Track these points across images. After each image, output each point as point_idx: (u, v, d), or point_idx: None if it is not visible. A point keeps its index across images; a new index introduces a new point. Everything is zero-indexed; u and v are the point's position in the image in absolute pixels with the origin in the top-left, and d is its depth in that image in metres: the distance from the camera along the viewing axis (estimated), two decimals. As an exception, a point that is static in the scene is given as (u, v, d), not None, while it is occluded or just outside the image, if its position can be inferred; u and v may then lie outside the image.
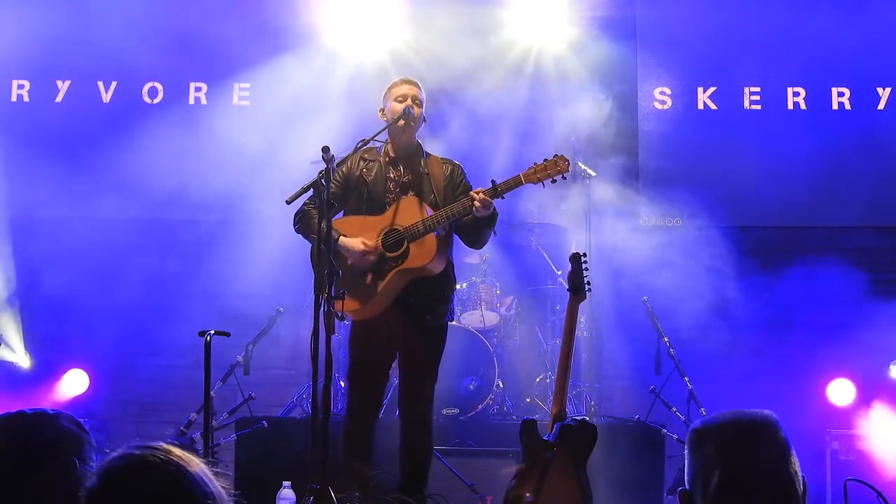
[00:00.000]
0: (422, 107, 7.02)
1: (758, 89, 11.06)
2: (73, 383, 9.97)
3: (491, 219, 6.74)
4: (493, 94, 10.99)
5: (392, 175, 6.95)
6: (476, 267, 10.26)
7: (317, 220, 6.48)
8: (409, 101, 6.91)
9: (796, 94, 11.00)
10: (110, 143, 10.63)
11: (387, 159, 6.97)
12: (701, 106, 11.10)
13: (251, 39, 10.97)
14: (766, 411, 2.93)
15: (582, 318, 9.31)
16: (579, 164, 9.85)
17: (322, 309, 5.96)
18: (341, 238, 6.71)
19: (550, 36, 11.08)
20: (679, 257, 9.93)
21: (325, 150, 6.18)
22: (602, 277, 9.77)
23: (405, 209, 6.76)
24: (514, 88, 11.06)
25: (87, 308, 10.02)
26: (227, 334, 6.79)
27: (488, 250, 10.42)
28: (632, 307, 10.00)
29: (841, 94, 10.97)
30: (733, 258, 10.15)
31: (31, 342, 10.11)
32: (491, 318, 9.94)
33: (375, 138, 6.82)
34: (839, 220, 10.75)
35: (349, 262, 6.73)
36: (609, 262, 9.93)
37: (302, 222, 6.90)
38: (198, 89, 11.09)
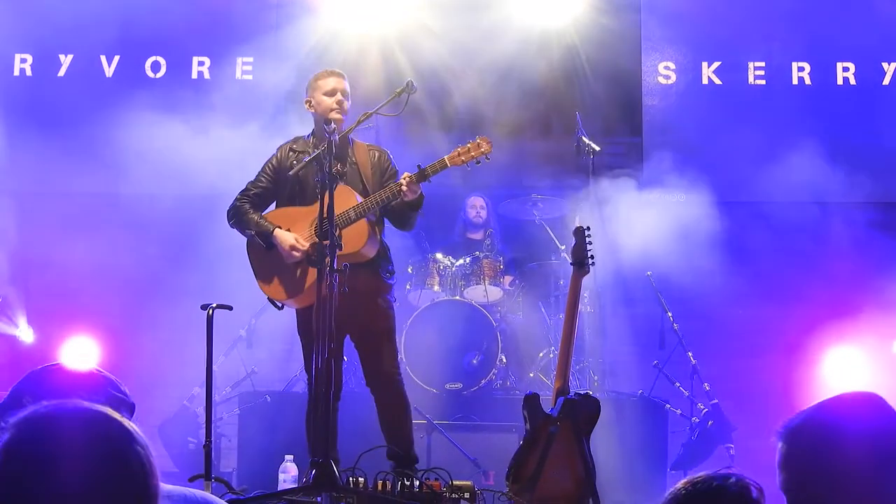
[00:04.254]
0: (349, 100, 7.09)
1: (762, 64, 11.01)
2: (77, 355, 9.94)
3: (418, 202, 6.89)
4: (496, 69, 10.96)
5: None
6: (479, 242, 10.26)
7: (251, 216, 6.99)
8: (340, 97, 6.99)
9: (801, 69, 10.96)
10: (113, 118, 10.59)
11: (315, 151, 7.01)
12: (705, 81, 11.07)
13: (254, 13, 10.93)
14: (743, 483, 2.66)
15: (585, 293, 9.29)
16: (583, 138, 9.82)
17: (325, 282, 5.98)
18: (276, 231, 6.91)
19: (554, 10, 11.02)
20: (683, 232, 9.89)
21: (327, 122, 6.24)
22: (606, 252, 9.76)
23: (335, 198, 6.82)
24: (517, 63, 11.02)
25: (89, 282, 10.01)
26: (230, 308, 6.80)
27: (491, 225, 10.44)
28: (635, 282, 9.97)
29: (846, 70, 10.91)
30: (737, 233, 10.13)
31: (34, 316, 10.10)
32: (494, 293, 9.95)
33: (380, 112, 6.89)
34: (843, 195, 10.68)
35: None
36: (613, 236, 9.90)
37: (236, 218, 7.12)
38: (201, 63, 11.06)
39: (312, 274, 6.75)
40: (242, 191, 7.12)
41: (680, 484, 2.69)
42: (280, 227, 6.92)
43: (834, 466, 2.68)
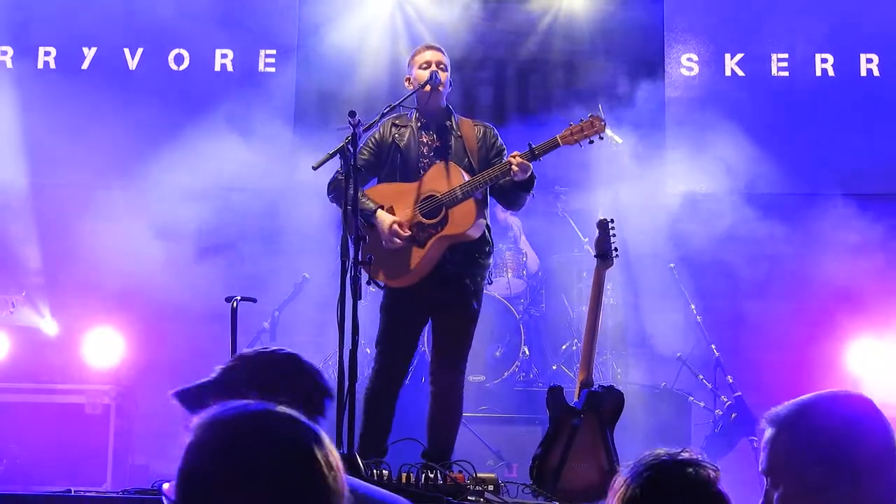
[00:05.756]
0: (447, 71, 6.99)
1: (785, 56, 10.96)
2: (102, 348, 9.93)
3: (529, 182, 6.75)
4: (517, 60, 10.95)
5: (425, 140, 6.92)
6: (503, 234, 10.26)
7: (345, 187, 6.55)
8: (433, 67, 6.88)
9: (824, 61, 10.90)
10: (136, 110, 10.61)
11: (418, 125, 6.95)
12: (728, 72, 11.02)
13: (277, 4, 10.94)
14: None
15: (609, 285, 9.27)
16: (606, 130, 9.79)
17: (349, 275, 5.96)
18: (378, 211, 6.70)
19: (577, 1, 11.01)
20: (706, 224, 9.87)
21: (352, 114, 6.19)
22: (629, 244, 9.74)
23: (441, 175, 6.73)
24: (539, 53, 11.01)
25: (113, 274, 10.02)
26: (254, 300, 6.80)
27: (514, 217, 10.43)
28: (659, 274, 9.96)
29: (870, 61, 10.85)
30: (761, 225, 10.09)
31: (58, 308, 10.12)
32: (517, 285, 9.94)
33: (404, 104, 6.84)
34: (867, 187, 10.64)
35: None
36: (636, 228, 9.88)
37: (336, 192, 6.84)
38: (224, 56, 11.07)
39: (414, 254, 6.68)
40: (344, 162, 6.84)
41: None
42: (382, 207, 6.73)
43: (812, 456, 2.77)
